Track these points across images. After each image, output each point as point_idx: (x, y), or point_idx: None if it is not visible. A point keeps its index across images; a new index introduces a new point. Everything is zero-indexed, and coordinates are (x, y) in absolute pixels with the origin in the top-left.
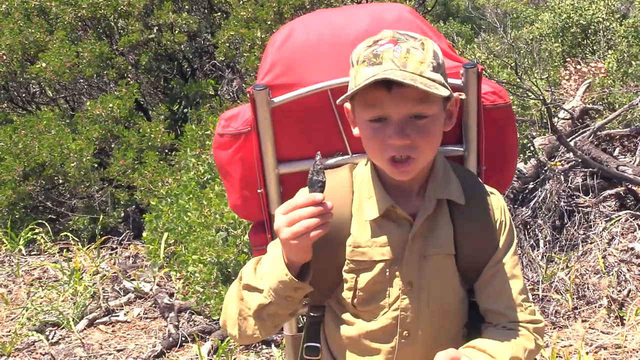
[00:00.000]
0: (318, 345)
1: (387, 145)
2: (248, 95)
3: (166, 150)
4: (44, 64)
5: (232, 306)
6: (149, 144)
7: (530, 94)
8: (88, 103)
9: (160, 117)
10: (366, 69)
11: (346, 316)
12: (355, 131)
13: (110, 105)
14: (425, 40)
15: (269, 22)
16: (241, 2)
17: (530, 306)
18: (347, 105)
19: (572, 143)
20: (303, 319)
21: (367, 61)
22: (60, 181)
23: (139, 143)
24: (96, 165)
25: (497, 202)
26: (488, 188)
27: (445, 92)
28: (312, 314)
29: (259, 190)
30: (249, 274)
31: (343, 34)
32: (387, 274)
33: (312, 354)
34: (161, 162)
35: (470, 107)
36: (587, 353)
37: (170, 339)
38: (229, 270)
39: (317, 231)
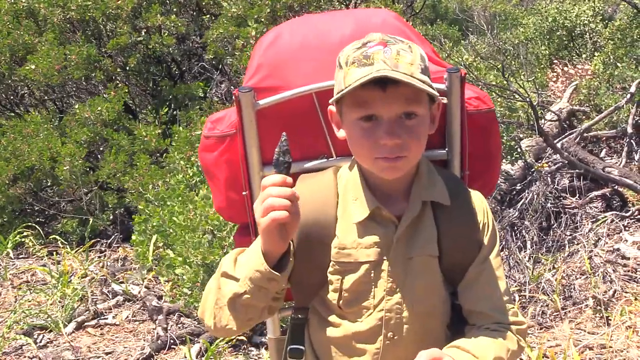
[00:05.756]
0: (302, 347)
1: (379, 145)
2: (234, 97)
3: (157, 154)
4: (33, 66)
5: (211, 295)
6: (142, 146)
7: (517, 96)
8: (77, 106)
9: (155, 121)
10: (357, 70)
11: (331, 318)
12: (340, 133)
13: (99, 108)
14: (412, 44)
15: (262, 21)
16: (232, 1)
17: (513, 308)
18: (332, 107)
19: (558, 145)
20: (287, 322)
21: (358, 62)
22: (49, 184)
23: (130, 145)
24: (87, 169)
25: (480, 204)
26: (471, 190)
27: (435, 92)
28: (295, 316)
29: (243, 193)
30: (229, 263)
31: (328, 38)
32: (372, 275)
33: (296, 356)
34: (152, 165)
35: (453, 112)
36: (573, 353)
37: (159, 341)
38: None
39: (282, 213)
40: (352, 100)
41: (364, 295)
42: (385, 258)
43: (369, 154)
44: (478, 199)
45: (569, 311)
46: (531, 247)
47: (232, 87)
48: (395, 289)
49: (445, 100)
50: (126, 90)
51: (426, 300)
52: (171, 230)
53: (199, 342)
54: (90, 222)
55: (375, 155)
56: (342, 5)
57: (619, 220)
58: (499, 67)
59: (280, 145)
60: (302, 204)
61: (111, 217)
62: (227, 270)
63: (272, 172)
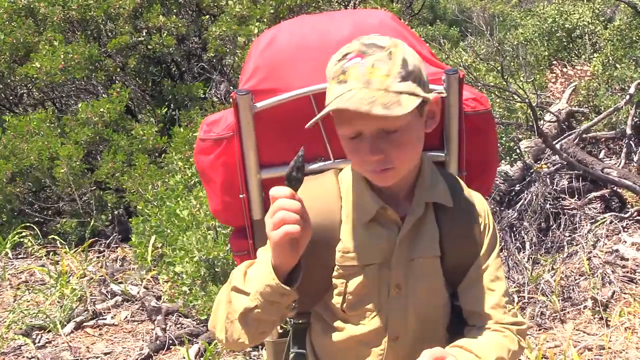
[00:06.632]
0: (304, 351)
1: (365, 160)
2: (231, 100)
3: (156, 154)
4: (37, 64)
5: (221, 309)
6: (140, 146)
7: (516, 97)
8: (80, 105)
9: (151, 120)
10: (335, 87)
11: (335, 322)
12: None
13: (102, 109)
14: (394, 48)
15: (264, 20)
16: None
17: (513, 308)
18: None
19: (557, 146)
20: (286, 325)
21: (336, 78)
22: (48, 184)
23: (129, 146)
24: (85, 170)
25: (481, 205)
26: (472, 191)
27: (408, 108)
28: (298, 320)
29: (240, 196)
30: (239, 277)
31: (326, 39)
32: (376, 277)
33: None
34: (151, 165)
35: (451, 113)
36: (572, 354)
37: (158, 342)
38: (217, 269)
39: (294, 227)
40: (336, 118)
41: (367, 298)
42: (388, 260)
43: (360, 168)
44: (479, 200)
45: (568, 312)
46: (530, 248)
47: (231, 87)
48: (399, 290)
49: (444, 94)
50: (128, 92)
51: (428, 302)
52: (169, 231)
53: (198, 342)
54: (92, 223)
55: (365, 169)
56: (341, 6)
57: (618, 222)
58: (498, 68)
59: (296, 161)
60: (306, 208)
61: (110, 217)
62: (237, 285)
63: (269, 175)
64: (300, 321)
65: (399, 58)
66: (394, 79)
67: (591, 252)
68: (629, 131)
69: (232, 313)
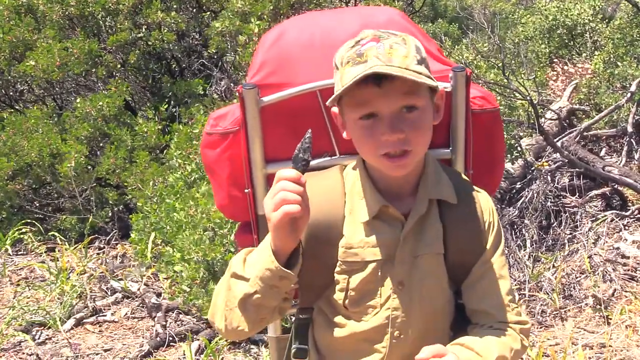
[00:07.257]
0: (306, 347)
1: (381, 142)
2: (237, 94)
3: (157, 150)
4: (32, 62)
5: (221, 297)
6: (142, 143)
7: (517, 94)
8: (78, 100)
9: (155, 117)
10: (352, 69)
11: (337, 317)
12: (346, 134)
13: (100, 103)
14: (406, 37)
15: (264, 17)
16: None
17: (517, 307)
18: (335, 109)
19: (558, 143)
20: (288, 321)
21: (352, 61)
22: (48, 181)
23: (131, 141)
24: (87, 167)
25: (486, 203)
26: (477, 189)
27: (433, 83)
28: (300, 316)
29: (246, 190)
30: (238, 263)
31: (333, 36)
32: (379, 274)
33: (300, 356)
34: (152, 161)
35: (458, 111)
36: (573, 352)
37: (158, 338)
38: (216, 269)
39: (294, 207)
40: (351, 100)
41: (370, 294)
42: (392, 256)
43: (374, 152)
44: (484, 198)
45: (569, 310)
46: (531, 246)
47: (232, 84)
48: (402, 287)
49: (449, 88)
50: (127, 86)
51: (432, 299)
52: (168, 228)
53: (198, 339)
54: (90, 220)
55: (379, 153)
56: (342, 3)
57: (619, 220)
58: (499, 65)
59: (303, 142)
60: (309, 203)
61: (110, 213)
62: (236, 271)
63: (275, 170)
64: (302, 316)
65: (412, 44)
66: (411, 61)
67: (592, 250)
68: (630, 129)
69: (231, 300)
